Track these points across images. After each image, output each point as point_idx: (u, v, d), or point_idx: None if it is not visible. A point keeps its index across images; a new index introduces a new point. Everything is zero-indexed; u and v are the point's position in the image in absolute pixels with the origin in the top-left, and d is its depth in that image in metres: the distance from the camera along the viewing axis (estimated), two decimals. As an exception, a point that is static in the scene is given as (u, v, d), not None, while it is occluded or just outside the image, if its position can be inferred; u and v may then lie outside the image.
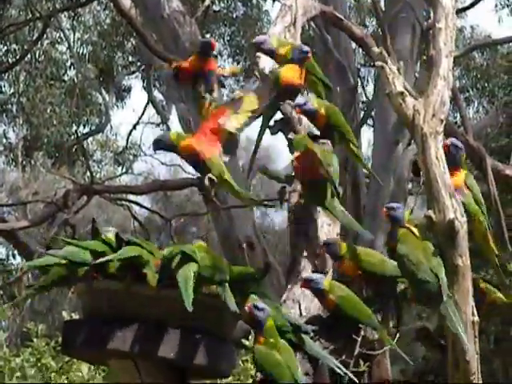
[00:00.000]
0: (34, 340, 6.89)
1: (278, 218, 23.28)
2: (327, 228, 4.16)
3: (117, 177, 18.82)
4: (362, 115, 11.98)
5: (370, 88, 16.69)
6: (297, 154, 4.14)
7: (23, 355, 6.86)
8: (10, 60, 16.23)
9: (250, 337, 3.72)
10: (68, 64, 17.95)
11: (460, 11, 12.11)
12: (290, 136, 4.47)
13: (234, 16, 16.96)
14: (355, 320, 3.85)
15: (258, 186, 21.32)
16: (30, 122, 17.57)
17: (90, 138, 19.02)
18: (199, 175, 4.01)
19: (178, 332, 3.25)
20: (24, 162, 18.83)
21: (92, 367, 6.74)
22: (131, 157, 19.16)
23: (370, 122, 14.06)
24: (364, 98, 15.79)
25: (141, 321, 3.24)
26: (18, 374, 6.75)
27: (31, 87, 17.25)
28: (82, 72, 17.38)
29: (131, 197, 10.73)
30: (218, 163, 3.90)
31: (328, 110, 4.33)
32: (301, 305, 3.89)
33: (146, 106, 17.31)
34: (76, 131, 17.38)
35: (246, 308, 3.45)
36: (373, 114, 12.27)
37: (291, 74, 4.35)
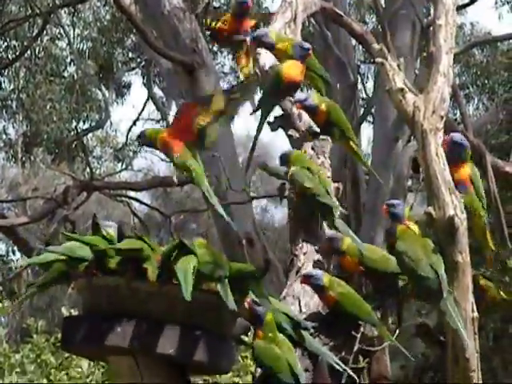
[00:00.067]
0: (34, 336, 6.91)
1: (278, 214, 23.32)
2: (327, 226, 4.16)
3: (116, 173, 18.82)
4: (361, 112, 11.99)
5: (369, 85, 16.70)
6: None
7: (23, 351, 6.88)
8: (9, 56, 16.22)
9: (249, 333, 3.72)
10: (68, 60, 17.95)
11: (460, 8, 12.09)
12: (289, 132, 4.48)
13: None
14: (355, 317, 3.85)
15: (258, 182, 21.34)
16: (30, 118, 17.56)
17: (90, 134, 19.03)
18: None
19: (177, 328, 3.25)
20: (24, 158, 18.84)
21: (92, 363, 6.74)
22: (131, 153, 19.17)
23: (369, 118, 14.07)
24: (364, 95, 15.79)
25: (141, 317, 3.24)
26: (18, 369, 6.76)
27: (31, 83, 17.24)
28: (81, 68, 17.37)
29: (131, 193, 10.74)
30: (184, 160, 3.85)
31: (329, 106, 4.34)
32: (300, 301, 3.89)
33: (145, 103, 17.33)
34: (76, 127, 17.37)
35: (246, 303, 3.46)
36: (373, 110, 12.28)
37: (293, 70, 4.36)
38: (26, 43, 15.28)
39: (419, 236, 3.80)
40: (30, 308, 16.43)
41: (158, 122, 18.61)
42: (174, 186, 14.41)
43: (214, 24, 4.85)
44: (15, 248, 16.60)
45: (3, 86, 17.60)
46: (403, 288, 4.02)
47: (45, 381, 6.71)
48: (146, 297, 3.27)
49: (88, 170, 9.90)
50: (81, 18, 17.64)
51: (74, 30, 17.52)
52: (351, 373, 3.75)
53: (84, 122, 18.00)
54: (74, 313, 6.59)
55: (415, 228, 3.87)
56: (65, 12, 16.83)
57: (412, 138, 9.58)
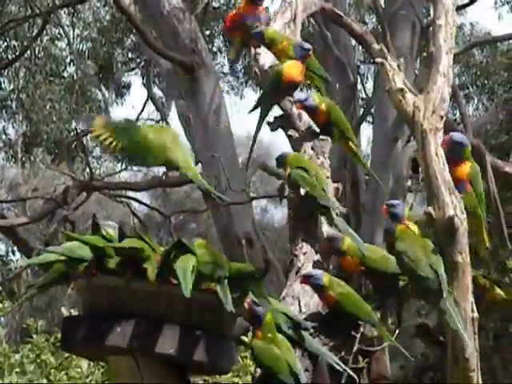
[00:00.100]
0: (34, 336, 6.91)
1: (278, 214, 23.31)
2: (327, 224, 4.17)
3: (116, 173, 18.80)
4: (361, 112, 11.99)
5: (369, 85, 16.70)
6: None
7: (23, 351, 6.88)
8: (9, 56, 16.22)
9: (249, 333, 3.72)
10: (68, 60, 17.94)
11: (460, 8, 12.09)
12: (289, 132, 4.48)
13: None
14: (355, 317, 3.85)
15: (258, 182, 21.34)
16: (30, 119, 17.56)
17: (90, 135, 19.00)
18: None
19: (177, 328, 3.25)
20: (23, 159, 18.83)
21: (91, 363, 6.74)
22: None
23: (369, 118, 14.07)
24: (363, 95, 15.78)
25: (140, 317, 3.24)
26: (18, 369, 6.76)
27: (31, 83, 17.24)
28: (81, 68, 17.37)
29: (130, 193, 10.74)
30: None
31: (328, 106, 4.34)
32: (300, 301, 3.89)
33: (145, 103, 17.31)
34: (75, 127, 17.37)
35: (246, 304, 3.46)
36: (372, 110, 12.28)
37: (294, 70, 4.39)
38: (25, 43, 15.28)
39: (419, 236, 3.80)
40: (29, 308, 16.43)
41: (157, 122, 18.60)
42: (173, 187, 14.39)
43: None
44: (15, 248, 16.60)
45: (3, 86, 17.61)
46: (403, 288, 4.02)
47: (44, 381, 6.71)
48: (145, 297, 3.27)
49: (88, 170, 9.90)
50: (80, 18, 17.65)
51: (73, 31, 17.52)
52: (351, 373, 3.76)
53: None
54: (74, 313, 6.59)
55: (415, 228, 3.87)
56: (64, 12, 16.83)
57: (412, 138, 9.58)
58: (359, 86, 13.83)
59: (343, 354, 3.83)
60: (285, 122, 4.53)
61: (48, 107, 17.28)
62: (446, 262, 3.63)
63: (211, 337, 3.30)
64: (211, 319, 3.33)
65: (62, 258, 3.33)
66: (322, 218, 4.14)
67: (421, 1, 10.75)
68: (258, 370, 3.66)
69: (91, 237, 3.41)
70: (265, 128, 4.61)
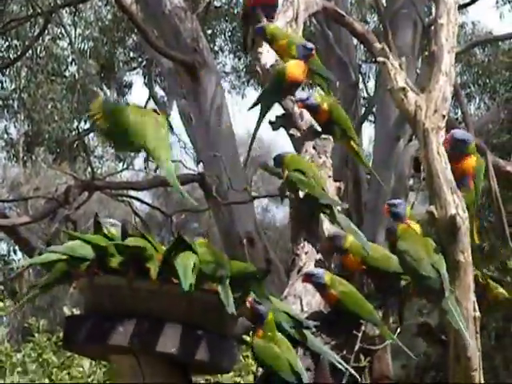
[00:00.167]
0: (36, 335, 6.90)
1: (279, 214, 23.31)
2: (328, 223, 4.17)
3: (118, 173, 18.80)
4: (363, 111, 11.98)
5: (371, 84, 16.68)
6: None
7: (24, 350, 6.87)
8: (11, 56, 16.21)
9: (250, 332, 3.73)
10: (69, 60, 17.92)
11: (461, 7, 12.08)
12: (291, 131, 4.49)
13: (235, 12, 16.93)
14: (356, 315, 3.85)
15: (259, 182, 21.33)
16: (32, 118, 17.55)
17: (91, 134, 19.00)
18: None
19: (179, 327, 3.25)
20: (25, 158, 18.82)
21: (93, 362, 6.74)
22: (132, 153, 19.14)
23: (371, 118, 14.06)
24: (365, 94, 15.77)
25: (142, 316, 3.24)
26: (20, 369, 6.76)
27: (32, 83, 17.23)
28: (83, 68, 17.36)
29: (132, 193, 10.72)
30: None
31: (331, 105, 4.35)
32: (302, 300, 3.90)
33: (147, 102, 17.27)
34: (77, 127, 17.36)
35: (247, 303, 3.46)
36: (374, 110, 12.27)
37: (297, 70, 4.41)
38: (27, 43, 15.27)
39: (421, 235, 3.80)
40: (31, 307, 16.43)
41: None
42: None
43: None
44: (17, 248, 16.59)
45: (5, 85, 17.60)
46: (405, 287, 4.02)
47: (46, 380, 6.71)
48: (147, 296, 3.27)
49: (89, 169, 9.89)
50: (82, 17, 17.63)
51: (75, 30, 17.51)
52: (353, 372, 3.76)
53: (85, 122, 17.98)
54: (76, 312, 6.59)
55: (416, 227, 3.87)
56: (66, 12, 16.82)
57: (413, 137, 9.58)
58: (361, 85, 13.85)
59: (345, 352, 3.83)
60: (286, 121, 4.54)
61: (50, 106, 17.27)
62: (447, 261, 3.63)
63: (213, 336, 3.31)
64: (213, 318, 3.33)
65: (64, 257, 3.33)
66: (323, 217, 4.15)
67: (422, 0, 10.75)
68: (260, 370, 3.66)
69: (93, 236, 3.40)
70: (266, 127, 4.61)
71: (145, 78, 17.78)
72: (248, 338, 3.93)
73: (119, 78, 18.37)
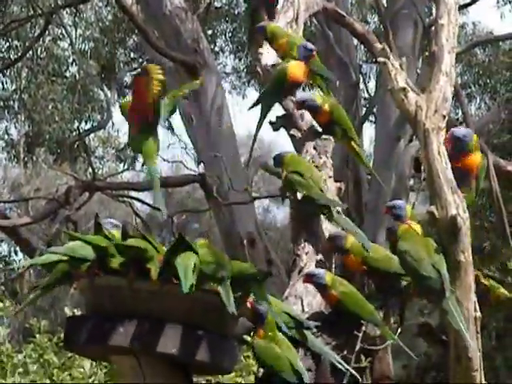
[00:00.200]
0: (37, 336, 6.90)
1: (280, 214, 23.30)
2: (329, 224, 4.17)
3: (119, 173, 18.79)
4: (363, 111, 11.98)
5: (371, 84, 16.68)
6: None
7: (26, 351, 6.87)
8: (11, 56, 16.21)
9: (251, 333, 3.73)
10: (70, 60, 17.93)
11: (462, 7, 12.08)
12: (292, 132, 4.49)
13: (236, 12, 16.94)
14: (357, 316, 3.86)
15: (260, 182, 21.32)
16: (32, 119, 17.55)
17: (92, 135, 19.00)
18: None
19: (180, 328, 3.25)
20: (26, 159, 18.82)
21: (94, 363, 6.74)
22: (133, 153, 19.14)
23: (371, 118, 14.06)
24: (366, 95, 15.77)
25: (143, 317, 3.24)
26: (21, 369, 6.75)
27: (33, 84, 17.24)
28: (83, 68, 17.36)
29: (133, 193, 10.72)
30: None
31: (331, 106, 4.35)
32: (303, 301, 3.90)
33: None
34: (78, 128, 17.36)
35: (248, 304, 3.46)
36: (375, 110, 12.27)
37: (298, 71, 4.42)
38: (27, 43, 15.27)
39: (421, 235, 3.80)
40: (32, 308, 16.44)
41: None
42: (175, 187, 14.40)
43: None
44: (17, 248, 16.59)
45: (5, 86, 17.60)
46: (405, 288, 4.02)
47: (47, 381, 6.70)
48: (148, 296, 3.27)
49: (90, 170, 9.88)
50: (83, 18, 17.63)
51: (75, 31, 17.51)
52: (353, 372, 3.76)
53: (86, 123, 18.00)
54: (77, 313, 6.59)
55: (417, 227, 3.87)
56: (67, 12, 16.82)
57: (414, 137, 9.58)
58: (361, 86, 13.84)
59: (346, 353, 3.83)
60: (287, 122, 4.54)
61: (50, 107, 17.27)
62: (448, 261, 3.63)
63: (214, 336, 3.30)
64: (214, 319, 3.33)
65: (65, 258, 3.33)
66: (323, 218, 4.15)
67: (423, 0, 10.75)
68: (261, 370, 3.66)
69: (94, 236, 3.40)
70: (267, 128, 4.62)
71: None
72: (249, 339, 3.93)
73: (120, 78, 18.36)
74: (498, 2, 17.12)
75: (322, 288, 3.82)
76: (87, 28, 17.65)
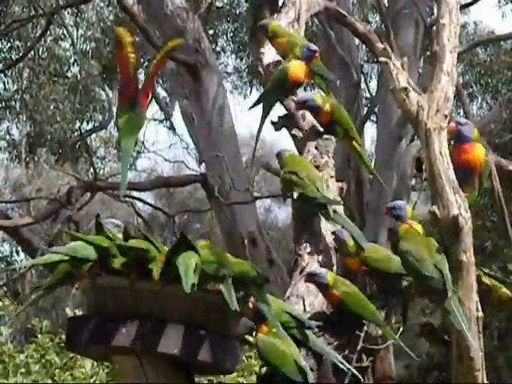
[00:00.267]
0: (39, 336, 6.90)
1: (282, 214, 23.31)
2: (331, 224, 4.16)
3: (120, 173, 18.78)
4: (365, 111, 11.99)
5: (373, 84, 16.70)
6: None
7: (27, 351, 6.87)
8: (13, 57, 16.23)
9: (253, 332, 3.73)
10: (71, 60, 17.94)
11: (463, 7, 12.08)
12: (293, 132, 4.49)
13: (237, 12, 16.95)
14: (359, 316, 3.85)
15: (262, 182, 21.33)
16: (34, 119, 17.57)
17: (94, 135, 19.03)
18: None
19: (181, 328, 3.25)
20: (27, 159, 18.83)
21: (95, 363, 6.74)
22: (134, 153, 19.16)
23: (373, 118, 14.06)
24: (367, 94, 15.78)
25: (145, 317, 3.24)
26: (23, 370, 6.75)
27: (34, 84, 17.25)
28: (85, 68, 17.37)
29: (134, 193, 10.73)
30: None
31: (332, 106, 4.35)
32: (305, 301, 3.90)
33: (149, 103, 17.26)
34: (79, 128, 17.38)
35: (250, 303, 3.46)
36: (376, 110, 12.27)
37: (299, 70, 4.43)
38: (29, 44, 15.29)
39: (423, 235, 3.80)
40: (34, 308, 16.45)
41: (161, 122, 18.61)
42: (177, 187, 14.41)
43: None
44: (19, 248, 16.61)
45: (7, 86, 17.62)
46: (407, 288, 4.02)
47: (49, 381, 6.70)
48: (150, 297, 3.26)
49: (92, 170, 9.89)
50: (84, 18, 17.64)
51: (77, 31, 17.52)
52: (355, 372, 3.75)
53: (87, 123, 18.01)
54: (79, 313, 6.59)
55: (418, 227, 3.87)
56: (68, 12, 16.83)
57: (415, 137, 9.58)
58: (363, 85, 13.84)
59: (347, 352, 3.83)
60: (289, 122, 4.54)
61: (52, 107, 17.29)
62: (450, 261, 3.63)
63: (215, 336, 3.30)
64: (215, 319, 3.33)
65: (66, 258, 3.33)
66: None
67: (424, 0, 10.75)
68: (263, 370, 3.66)
69: (95, 237, 3.40)
70: (268, 127, 4.62)
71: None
72: (251, 339, 3.93)
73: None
74: (499, 2, 17.12)
75: (324, 288, 3.82)
76: (88, 28, 17.67)
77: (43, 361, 6.81)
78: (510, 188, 10.16)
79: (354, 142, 4.46)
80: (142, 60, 17.75)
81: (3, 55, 16.70)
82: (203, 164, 9.29)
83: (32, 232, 10.61)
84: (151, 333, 3.22)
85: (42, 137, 17.80)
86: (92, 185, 8.67)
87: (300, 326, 3.69)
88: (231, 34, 17.26)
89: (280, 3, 5.25)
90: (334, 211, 4.02)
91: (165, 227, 18.62)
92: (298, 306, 3.87)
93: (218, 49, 17.07)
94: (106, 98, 17.96)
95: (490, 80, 16.79)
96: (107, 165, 19.91)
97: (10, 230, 9.80)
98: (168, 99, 17.51)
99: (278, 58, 4.77)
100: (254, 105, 4.61)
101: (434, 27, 4.31)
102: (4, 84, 17.52)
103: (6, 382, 6.69)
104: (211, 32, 16.07)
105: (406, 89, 3.91)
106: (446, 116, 3.88)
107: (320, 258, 4.03)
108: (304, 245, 4.05)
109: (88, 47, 17.65)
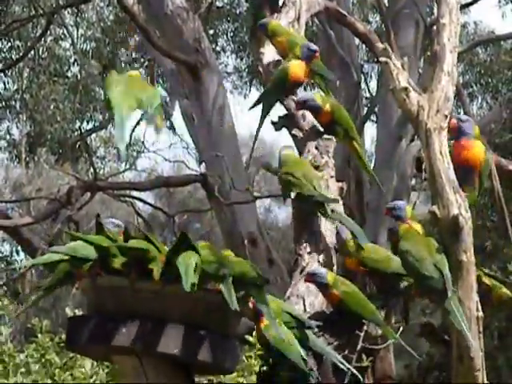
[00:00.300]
0: (39, 336, 6.89)
1: (282, 214, 23.30)
2: (331, 224, 4.17)
3: (120, 173, 18.78)
4: (365, 111, 11.98)
5: (373, 84, 16.68)
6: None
7: (27, 351, 6.86)
8: (13, 56, 16.23)
9: (253, 332, 3.73)
10: (71, 60, 17.94)
11: (463, 7, 12.07)
12: (293, 132, 4.49)
13: (237, 12, 16.94)
14: (359, 315, 3.86)
15: (262, 182, 21.32)
16: (34, 119, 17.57)
17: (94, 135, 19.02)
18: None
19: (181, 328, 3.25)
20: (27, 159, 18.84)
21: (95, 363, 6.74)
22: (134, 153, 19.16)
23: (373, 117, 14.06)
24: (367, 94, 15.77)
25: (145, 317, 3.24)
26: (23, 369, 6.75)
27: (35, 84, 17.25)
28: (85, 68, 17.37)
29: (135, 193, 10.72)
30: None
31: (333, 106, 4.36)
32: (305, 300, 3.90)
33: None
34: (79, 127, 17.38)
35: (250, 304, 3.46)
36: (376, 109, 12.27)
37: (299, 70, 4.43)
38: (29, 43, 15.29)
39: (423, 235, 3.80)
40: (34, 308, 16.45)
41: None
42: (177, 186, 14.41)
43: None
44: (19, 248, 16.61)
45: (7, 86, 17.62)
46: (407, 288, 4.02)
47: (49, 381, 6.69)
48: (150, 296, 3.27)
49: (92, 170, 9.88)
50: (84, 18, 17.64)
51: (77, 30, 17.52)
52: (355, 372, 3.75)
53: (88, 123, 18.01)
54: (79, 313, 6.59)
55: (418, 227, 3.87)
56: (68, 12, 16.83)
57: (416, 137, 9.57)
58: (363, 85, 13.83)
59: (347, 352, 3.83)
60: (289, 122, 4.54)
61: (52, 107, 17.29)
62: (450, 260, 3.63)
63: (215, 336, 3.30)
64: (215, 319, 3.33)
65: (67, 257, 3.33)
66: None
67: (424, 0, 10.75)
68: (263, 369, 3.66)
69: (95, 236, 3.40)
70: (269, 127, 4.62)
71: (147, 78, 17.78)
72: (251, 338, 3.94)
73: (121, 78, 18.34)
74: (499, 2, 17.11)
75: (324, 287, 3.83)
76: (89, 28, 17.67)
77: (43, 360, 6.80)
78: (510, 188, 10.16)
79: (354, 142, 4.47)
80: (142, 60, 17.79)
81: (3, 55, 16.71)
82: (203, 164, 9.28)
83: (32, 232, 10.60)
84: (151, 333, 3.22)
85: (42, 137, 17.80)
86: (92, 185, 8.66)
87: (300, 326, 3.69)
88: (231, 34, 17.26)
89: (280, 3, 5.25)
90: (333, 210, 4.02)
91: (165, 227, 18.61)
92: (298, 305, 3.87)
93: (218, 49, 17.07)
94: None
95: (490, 80, 16.79)
96: (107, 165, 19.91)
97: (10, 230, 9.80)
98: (168, 99, 17.50)
99: (278, 57, 4.77)
100: (255, 105, 4.61)
101: (435, 27, 4.31)
102: (4, 84, 17.53)
103: (5, 381, 6.69)
104: (211, 32, 16.07)
105: (406, 89, 3.91)
106: (446, 116, 3.88)
107: (320, 257, 4.03)
108: (304, 245, 4.05)
109: (88, 47, 17.65)
